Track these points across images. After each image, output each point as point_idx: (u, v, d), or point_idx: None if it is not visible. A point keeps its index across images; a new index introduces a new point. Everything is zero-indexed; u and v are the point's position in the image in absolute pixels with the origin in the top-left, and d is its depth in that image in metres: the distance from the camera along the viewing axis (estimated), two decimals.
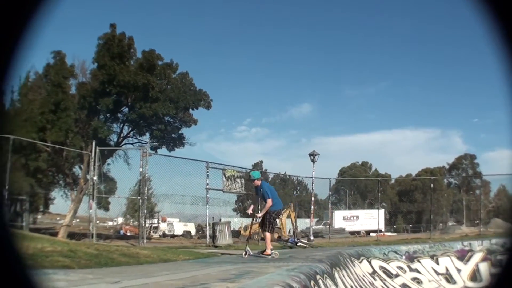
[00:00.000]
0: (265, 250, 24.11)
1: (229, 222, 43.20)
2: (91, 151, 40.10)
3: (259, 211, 25.60)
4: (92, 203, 39.48)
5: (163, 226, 63.10)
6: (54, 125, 47.90)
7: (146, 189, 39.52)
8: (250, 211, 27.26)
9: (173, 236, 62.15)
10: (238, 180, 47.52)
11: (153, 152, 45.24)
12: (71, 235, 38.51)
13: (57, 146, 46.48)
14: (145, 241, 37.17)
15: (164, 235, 58.81)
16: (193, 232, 62.79)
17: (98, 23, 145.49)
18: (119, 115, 50.66)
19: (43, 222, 57.21)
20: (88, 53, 54.27)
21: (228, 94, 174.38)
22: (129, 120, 50.08)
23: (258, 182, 25.00)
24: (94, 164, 39.02)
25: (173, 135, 50.59)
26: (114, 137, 50.06)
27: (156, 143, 49.48)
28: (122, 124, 51.68)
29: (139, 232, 40.14)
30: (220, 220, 45.26)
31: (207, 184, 40.45)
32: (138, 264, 17.29)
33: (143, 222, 39.54)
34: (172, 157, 47.41)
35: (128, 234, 48.46)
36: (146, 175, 39.00)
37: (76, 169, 49.98)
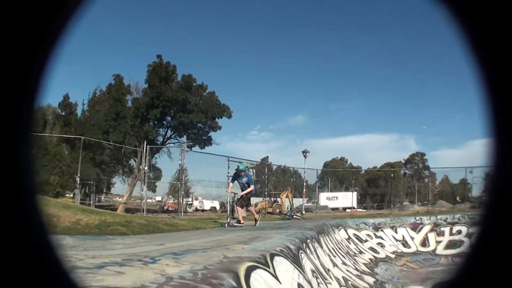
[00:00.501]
0: (239, 221, 25.29)
1: None
2: (143, 149, 40.81)
3: (239, 193, 25.91)
4: (143, 186, 40.31)
5: (195, 203, 63.02)
6: (115, 129, 48.54)
7: (183, 176, 40.77)
8: (230, 191, 27.67)
9: (203, 210, 62.14)
10: (250, 170, 47.15)
11: (189, 149, 45.12)
12: (127, 210, 38.70)
13: (117, 144, 47.09)
14: (182, 214, 37.71)
15: (196, 209, 58.72)
16: (218, 207, 62.75)
17: (148, 53, 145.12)
18: (164, 122, 51.25)
19: (106, 200, 56.91)
20: (141, 76, 55.36)
21: (244, 107, 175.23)
22: (172, 126, 50.59)
23: (242, 172, 25.87)
24: (145, 158, 40.19)
25: (203, 137, 50.89)
26: (160, 138, 50.70)
27: (191, 143, 49.78)
28: (166, 129, 52.07)
29: (178, 207, 40.78)
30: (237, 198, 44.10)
31: (228, 173, 40.25)
32: (177, 231, 17.28)
33: (181, 200, 40.86)
34: (203, 153, 48.78)
35: (170, 209, 48.29)
36: (184, 166, 39.88)
37: (132, 162, 50.43)
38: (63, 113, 55.37)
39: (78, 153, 41.27)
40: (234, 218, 26.95)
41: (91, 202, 42.98)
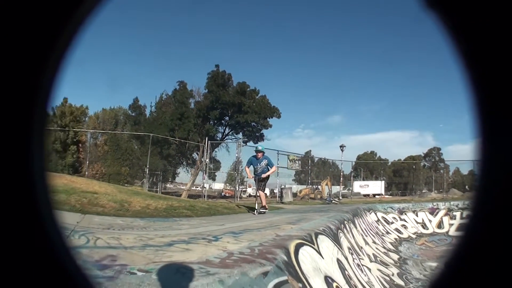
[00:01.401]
0: (264, 206, 20.60)
1: (290, 188, 45.86)
2: (204, 144, 41.36)
3: (259, 176, 20.82)
4: (205, 175, 41.10)
5: (249, 190, 63.38)
6: (180, 127, 49.02)
7: (239, 167, 41.64)
8: (250, 176, 21.77)
9: (255, 196, 62.42)
10: (296, 161, 50.69)
11: (244, 144, 45.88)
12: (190, 196, 38.90)
13: (182, 140, 47.34)
14: (238, 199, 38.15)
15: (249, 195, 59.00)
16: (268, 193, 63.28)
17: (208, 62, 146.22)
18: (222, 121, 51.94)
19: (171, 188, 57.61)
20: (201, 82, 56.12)
21: (290, 108, 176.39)
22: (229, 124, 51.36)
23: (260, 154, 21.08)
24: (207, 152, 40.91)
25: (256, 134, 51.56)
26: (219, 135, 51.37)
27: (246, 139, 50.43)
28: (224, 127, 52.61)
29: (234, 194, 41.54)
30: (285, 186, 46.34)
31: (278, 164, 41.66)
32: (235, 213, 17.69)
33: (237, 187, 41.95)
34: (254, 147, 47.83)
35: (227, 195, 48.81)
36: (240, 158, 41.06)
37: (194, 155, 51.05)
38: (133, 114, 56.15)
39: (147, 148, 42.09)
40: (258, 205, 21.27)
41: (158, 189, 43.49)
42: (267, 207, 21.16)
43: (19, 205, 0.86)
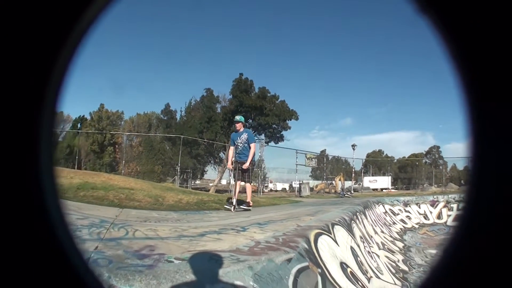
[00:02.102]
0: (247, 203, 14.92)
1: (308, 183, 47.28)
2: None
3: (240, 160, 15.15)
4: (231, 172, 40.23)
5: (270, 185, 63.98)
6: (208, 130, 49.58)
7: (262, 165, 43.37)
8: (230, 159, 15.61)
9: (276, 191, 63.03)
10: (313, 159, 52.05)
11: (266, 144, 46.27)
12: (217, 191, 39.17)
13: (210, 141, 48.04)
14: (261, 193, 39.04)
15: (270, 190, 59.48)
16: (287, 188, 63.80)
17: (232, 70, 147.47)
18: (246, 123, 51.42)
19: (200, 184, 58.19)
20: (226, 89, 56.66)
21: (307, 110, 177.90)
22: (252, 126, 51.66)
23: (241, 126, 15.29)
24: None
25: (277, 135, 51.97)
26: None
27: (268, 139, 50.70)
28: (248, 129, 52.37)
29: (257, 189, 41.46)
30: (303, 181, 46.74)
31: (296, 162, 44.70)
32: (259, 206, 17.47)
33: (260, 183, 42.79)
34: (276, 147, 51.70)
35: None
36: (262, 157, 42.81)
37: (221, 154, 51.33)
38: (165, 118, 56.79)
39: (178, 148, 43.09)
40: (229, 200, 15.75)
41: (188, 185, 44.10)
42: (251, 203, 15.11)
43: (27, 204, 0.82)
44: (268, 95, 52.61)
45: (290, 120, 53.02)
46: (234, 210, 13.99)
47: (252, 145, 15.07)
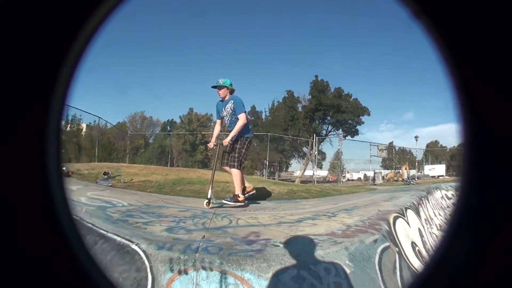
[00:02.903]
0: (236, 196, 9.74)
1: (380, 172, 47.30)
2: (312, 139, 42.24)
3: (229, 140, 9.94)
4: (314, 165, 41.90)
5: (347, 175, 63.69)
6: (292, 127, 50.20)
7: (341, 156, 42.15)
8: (211, 145, 10.30)
9: (352, 180, 62.76)
10: (384, 150, 51.93)
11: (344, 138, 46.35)
12: (302, 182, 39.24)
13: (294, 137, 48.35)
14: (340, 183, 37.73)
15: (347, 180, 59.27)
16: (362, 177, 63.59)
17: (309, 73, 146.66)
18: (325, 120, 52.82)
19: (285, 176, 58.53)
20: (305, 90, 56.96)
21: (376, 107, 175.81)
22: (331, 122, 52.34)
23: (225, 93, 10.05)
24: (314, 145, 41.98)
25: (352, 130, 52.21)
26: (323, 132, 51.49)
27: (345, 134, 50.70)
28: (327, 125, 53.40)
29: (337, 178, 41.91)
30: (375, 171, 45.95)
31: (370, 152, 44.51)
32: (341, 194, 17.25)
33: (339, 173, 42.37)
34: (352, 141, 51.78)
35: (330, 180, 49.26)
36: (340, 149, 41.91)
37: (304, 148, 51.62)
38: (252, 118, 57.50)
39: (265, 144, 43.64)
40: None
41: (275, 177, 44.47)
42: (241, 197, 9.69)
43: (34, 205, 0.79)
44: (343, 94, 52.77)
45: (363, 116, 53.15)
46: (207, 205, 9.01)
47: (240, 116, 9.78)
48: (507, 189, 0.70)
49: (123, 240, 4.71)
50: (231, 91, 10.12)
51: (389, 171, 56.72)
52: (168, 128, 77.42)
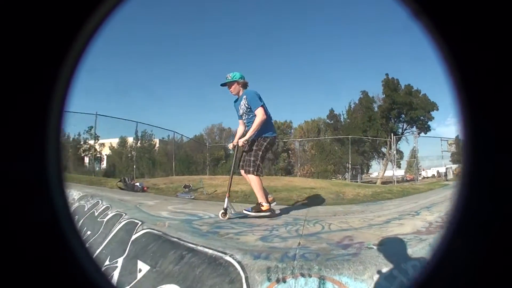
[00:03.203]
0: (258, 204, 8.09)
1: (451, 167, 44.12)
2: (390, 139, 42.08)
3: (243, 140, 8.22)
4: (394, 165, 41.22)
5: (423, 173, 60.87)
6: (370, 128, 49.39)
7: (416, 154, 40.96)
8: (231, 146, 8.68)
9: (427, 177, 59.77)
10: (452, 145, 46.67)
11: (418, 135, 44.62)
12: (383, 182, 38.22)
13: (373, 138, 47.66)
14: (417, 182, 37.09)
15: (423, 177, 57.11)
16: (436, 174, 60.78)
17: (378, 72, 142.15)
18: (400, 118, 51.37)
19: (366, 178, 56.88)
20: (378, 89, 55.98)
21: (441, 99, 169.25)
22: (405, 120, 51.24)
23: (237, 88, 8.35)
24: (392, 145, 41.99)
25: (425, 126, 50.48)
26: (399, 130, 50.03)
27: (419, 131, 49.08)
28: (403, 123, 52.21)
29: (415, 177, 41.22)
30: (447, 166, 44.95)
31: (441, 148, 41.79)
32: (419, 192, 17.01)
33: (416, 171, 41.22)
34: (425, 137, 49.74)
35: (408, 179, 47.64)
36: (417, 147, 40.64)
37: (383, 149, 50.34)
38: (331, 122, 56.58)
39: (346, 147, 43.50)
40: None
41: (357, 180, 43.62)
42: (264, 206, 8.09)
43: (34, 205, 0.79)
44: (412, 90, 51.95)
45: (433, 111, 51.76)
46: (223, 216, 7.77)
47: (257, 111, 8.09)
48: (507, 189, 0.72)
49: (216, 253, 4.71)
50: (244, 85, 8.49)
51: (457, 165, 53.91)
52: None
